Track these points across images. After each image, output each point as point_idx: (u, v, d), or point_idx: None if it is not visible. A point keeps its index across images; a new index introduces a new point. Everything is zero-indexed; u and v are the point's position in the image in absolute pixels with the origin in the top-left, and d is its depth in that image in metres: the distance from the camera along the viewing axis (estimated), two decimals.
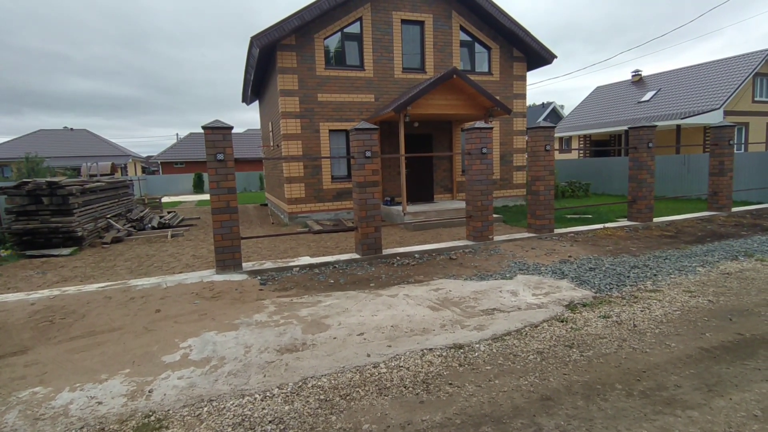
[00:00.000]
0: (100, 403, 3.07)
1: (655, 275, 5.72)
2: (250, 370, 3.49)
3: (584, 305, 4.72)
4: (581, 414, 2.75)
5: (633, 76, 28.49)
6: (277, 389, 3.18)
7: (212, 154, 6.24)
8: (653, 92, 25.72)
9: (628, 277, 5.68)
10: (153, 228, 11.48)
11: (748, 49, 34.23)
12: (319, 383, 3.25)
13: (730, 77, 22.13)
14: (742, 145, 20.93)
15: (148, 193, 21.39)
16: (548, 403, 2.89)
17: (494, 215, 10.60)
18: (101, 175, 16.10)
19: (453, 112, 11.43)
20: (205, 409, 2.96)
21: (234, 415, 2.86)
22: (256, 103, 19.58)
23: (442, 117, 12.15)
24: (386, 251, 7.33)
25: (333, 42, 12.21)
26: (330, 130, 12.25)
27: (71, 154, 35.13)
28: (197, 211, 17.43)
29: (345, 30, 12.17)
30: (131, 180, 15.00)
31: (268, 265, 6.67)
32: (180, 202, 23.81)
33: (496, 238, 8.21)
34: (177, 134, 46.46)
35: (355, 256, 7.14)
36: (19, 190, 8.33)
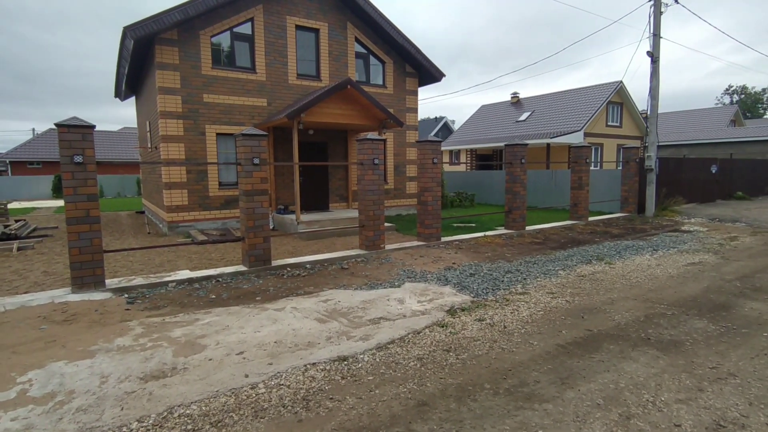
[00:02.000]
0: None
1: (524, 279, 6.30)
2: (104, 404, 3.06)
3: (463, 310, 5.00)
4: (453, 416, 2.88)
5: (512, 97, 31.57)
6: (136, 423, 2.83)
7: (68, 156, 5.47)
8: (528, 113, 28.74)
9: (502, 281, 6.18)
10: None
11: (610, 79, 40.09)
12: (188, 411, 2.97)
13: (589, 104, 25.63)
14: (598, 163, 24.28)
15: None
16: (424, 409, 2.97)
17: (387, 224, 10.86)
18: None
19: (348, 121, 11.52)
20: None
21: None
22: (133, 99, 17.76)
23: (337, 126, 12.18)
24: (276, 262, 7.07)
25: (222, 41, 11.57)
26: (218, 134, 11.55)
27: None
28: (55, 219, 15.17)
29: (235, 29, 11.62)
30: None
31: (139, 281, 6.01)
32: (34, 209, 20.55)
33: (388, 246, 8.40)
34: (33, 129, 40.12)
35: (242, 268, 6.77)
36: None
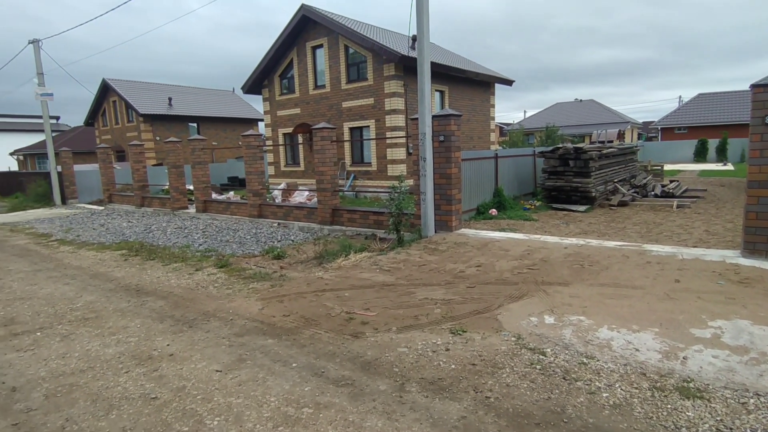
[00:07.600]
0: (637, 350, 3.45)
1: None
2: None
3: None
4: None
5: None
6: None
7: (759, 117, 5.30)
8: None
9: None
10: (656, 196, 11.20)
11: None
12: None
13: None
14: None
15: (651, 160, 20.93)
16: None
17: None
18: (608, 142, 17.08)
19: None
20: (752, 401, 2.73)
21: None
22: None
23: None
24: None
25: None
26: None
27: (579, 122, 39.34)
28: (701, 182, 15.46)
29: None
30: (638, 146, 15.06)
31: None
32: (679, 171, 21.88)
33: None
34: (680, 97, 42.15)
35: None
36: (553, 153, 10.25)
